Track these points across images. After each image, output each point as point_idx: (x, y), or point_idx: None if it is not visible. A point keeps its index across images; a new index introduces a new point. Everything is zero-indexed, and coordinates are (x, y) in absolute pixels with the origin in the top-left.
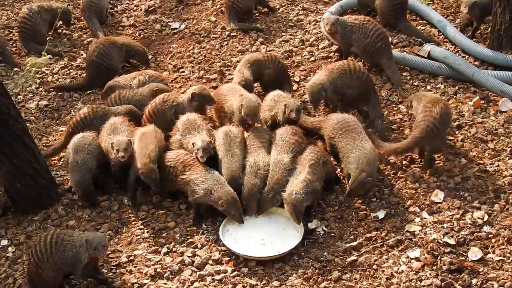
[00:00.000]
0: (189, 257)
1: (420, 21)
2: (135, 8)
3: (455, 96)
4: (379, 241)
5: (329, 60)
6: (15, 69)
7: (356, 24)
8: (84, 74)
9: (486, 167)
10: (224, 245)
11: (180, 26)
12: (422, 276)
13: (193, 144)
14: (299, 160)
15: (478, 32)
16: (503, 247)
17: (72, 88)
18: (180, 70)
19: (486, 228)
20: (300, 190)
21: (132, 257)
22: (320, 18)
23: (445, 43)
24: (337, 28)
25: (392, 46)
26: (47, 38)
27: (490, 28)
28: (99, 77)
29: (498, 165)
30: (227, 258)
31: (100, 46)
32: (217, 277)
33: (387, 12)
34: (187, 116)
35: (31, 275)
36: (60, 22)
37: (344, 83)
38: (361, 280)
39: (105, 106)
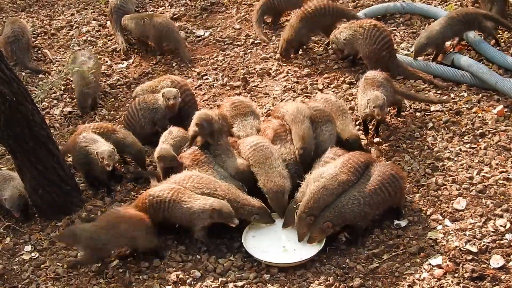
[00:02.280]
0: (211, 263)
1: None
2: None
3: (478, 104)
4: (401, 248)
5: (352, 69)
6: (40, 75)
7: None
8: None
9: (508, 175)
10: (246, 252)
11: (204, 34)
12: (444, 283)
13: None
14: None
15: (502, 40)
16: None
17: None
18: (204, 77)
19: (508, 236)
20: None
21: (154, 263)
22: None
23: (469, 51)
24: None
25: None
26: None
27: None
28: None
29: None
30: (249, 265)
31: None
32: (239, 283)
33: None
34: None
35: None
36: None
37: None
38: (382, 287)
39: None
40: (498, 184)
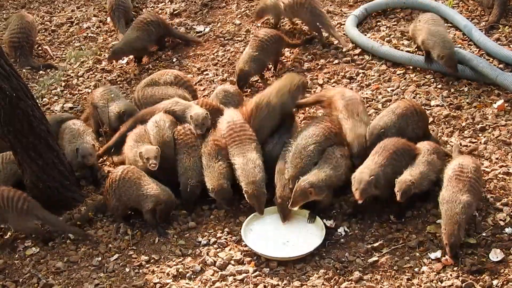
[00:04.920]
0: (211, 257)
1: (445, 24)
2: (160, 11)
3: (479, 99)
4: (400, 242)
5: (352, 63)
6: (40, 72)
7: None
8: None
9: (508, 169)
10: (246, 246)
11: (204, 29)
12: (443, 277)
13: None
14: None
15: (503, 35)
16: None
17: None
18: (204, 73)
19: (508, 230)
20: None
21: (154, 257)
22: (345, 21)
23: (470, 46)
24: None
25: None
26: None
27: None
28: None
29: None
30: (249, 259)
31: None
32: (239, 277)
33: None
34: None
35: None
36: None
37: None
38: (382, 281)
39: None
40: (498, 178)
